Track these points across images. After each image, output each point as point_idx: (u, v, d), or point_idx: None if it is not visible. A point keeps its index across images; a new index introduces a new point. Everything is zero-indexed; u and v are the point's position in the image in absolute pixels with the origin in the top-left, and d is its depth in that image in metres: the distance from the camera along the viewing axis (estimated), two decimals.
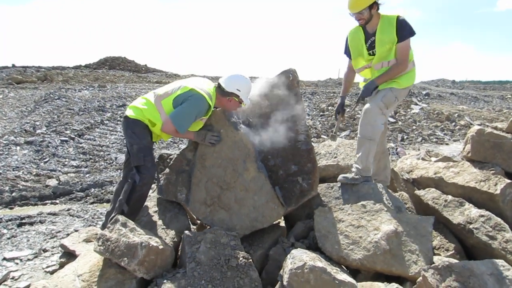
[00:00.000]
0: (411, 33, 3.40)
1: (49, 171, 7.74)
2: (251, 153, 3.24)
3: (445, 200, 3.66)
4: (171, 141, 9.72)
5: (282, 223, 3.42)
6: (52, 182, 7.22)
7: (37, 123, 10.20)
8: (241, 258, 2.67)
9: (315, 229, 3.05)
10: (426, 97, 21.19)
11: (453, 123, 13.99)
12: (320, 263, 2.50)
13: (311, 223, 3.25)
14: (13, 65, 25.12)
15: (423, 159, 5.39)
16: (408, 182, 4.33)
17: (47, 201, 6.40)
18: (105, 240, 2.54)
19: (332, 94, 18.24)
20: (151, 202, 3.43)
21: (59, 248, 4.16)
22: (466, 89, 31.21)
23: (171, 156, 3.48)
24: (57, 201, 6.52)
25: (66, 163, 8.19)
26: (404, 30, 3.38)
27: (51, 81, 19.56)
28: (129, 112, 3.26)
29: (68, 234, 4.78)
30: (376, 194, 3.36)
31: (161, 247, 2.55)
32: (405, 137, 11.70)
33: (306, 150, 3.34)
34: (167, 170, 3.37)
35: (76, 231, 4.75)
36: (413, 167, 4.51)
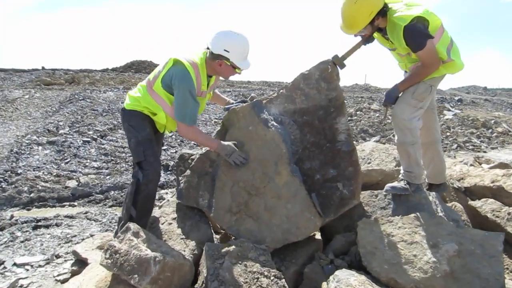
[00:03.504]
0: (421, 44, 2.76)
1: (69, 172, 7.55)
2: (284, 154, 2.82)
3: (509, 213, 3.15)
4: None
5: (318, 236, 2.97)
6: (72, 183, 7.01)
7: (61, 123, 10.12)
8: (272, 277, 2.25)
9: (358, 245, 2.60)
10: (459, 103, 20.28)
11: (490, 130, 13.18)
12: None
13: (352, 236, 2.80)
14: (43, 68, 25.66)
15: (471, 165, 4.84)
16: (460, 191, 3.81)
17: (65, 203, 6.17)
18: (114, 252, 2.17)
19: (360, 99, 17.65)
20: (170, 208, 3.06)
21: (73, 254, 3.89)
22: (498, 96, 29.89)
23: (192, 156, 3.11)
24: (76, 203, 6.29)
25: (87, 164, 8.00)
26: (413, 44, 2.80)
27: (78, 83, 19.80)
28: (125, 103, 2.97)
29: (83, 239, 4.51)
30: (429, 205, 2.87)
31: (178, 262, 2.15)
32: None
33: (347, 151, 2.89)
34: (188, 172, 3.00)
35: (91, 236, 4.48)
36: (464, 174, 3.98)
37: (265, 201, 2.77)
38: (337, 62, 3.03)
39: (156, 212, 3.17)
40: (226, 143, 2.86)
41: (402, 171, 3.09)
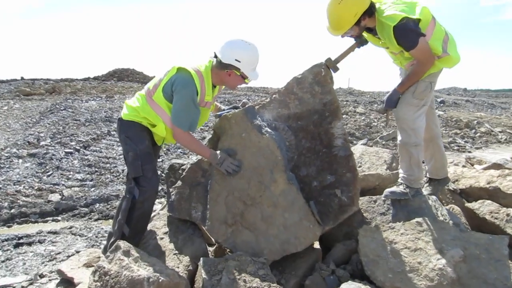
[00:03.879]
0: (413, 43, 2.69)
1: (52, 185, 7.27)
2: (279, 161, 2.71)
3: (508, 215, 3.09)
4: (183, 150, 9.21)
5: (317, 245, 2.86)
6: (55, 197, 6.75)
7: (42, 134, 9.80)
8: None
9: (360, 253, 2.50)
10: (442, 104, 20.61)
11: (473, 130, 13.39)
12: None
13: (353, 244, 2.70)
14: (22, 78, 25.03)
15: (464, 166, 4.82)
16: (455, 193, 3.76)
17: (48, 218, 5.90)
18: (103, 274, 2.00)
19: (345, 102, 17.73)
20: (161, 222, 2.91)
21: (57, 274, 3.68)
22: (478, 97, 30.52)
23: (183, 167, 2.97)
24: (59, 218, 6.03)
25: (70, 176, 7.73)
26: (405, 43, 2.74)
27: (59, 93, 19.34)
28: (123, 112, 2.80)
29: (68, 256, 4.29)
30: (429, 209, 2.79)
31: (174, 281, 2.01)
32: None
33: (344, 157, 2.79)
34: (179, 183, 2.85)
35: (77, 252, 4.28)
36: (458, 176, 3.94)
37: (261, 211, 2.65)
38: (330, 65, 2.95)
39: None
40: (217, 152, 2.74)
41: (401, 175, 3.02)
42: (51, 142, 9.33)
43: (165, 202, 3.08)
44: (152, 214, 3.03)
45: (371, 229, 2.58)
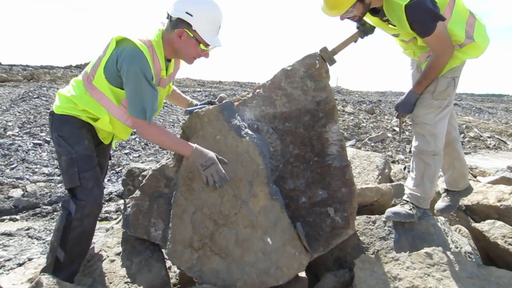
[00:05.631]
0: (429, 27, 2.19)
1: (14, 180, 6.64)
2: (261, 171, 2.19)
3: None
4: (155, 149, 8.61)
5: (302, 273, 2.37)
6: (17, 193, 6.13)
7: (10, 123, 9.09)
8: None
9: None
10: None
11: (462, 135, 13.15)
12: None
13: (346, 275, 2.21)
14: None
15: None
16: (460, 210, 3.31)
17: (5, 217, 5.30)
18: None
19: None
20: (114, 239, 2.37)
21: None
22: (465, 101, 30.55)
23: (144, 172, 2.44)
24: (18, 217, 5.44)
25: (36, 169, 7.10)
26: (419, 27, 2.24)
27: (37, 80, 18.48)
28: (55, 105, 2.22)
29: (19, 264, 3.73)
30: (439, 234, 2.32)
31: None
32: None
33: (339, 168, 2.30)
34: (137, 193, 2.32)
35: (29, 260, 3.73)
36: None
37: (236, 232, 2.14)
38: (326, 56, 2.44)
39: (95, 241, 2.47)
40: (206, 150, 2.16)
41: (408, 191, 2.53)
42: (19, 132, 8.64)
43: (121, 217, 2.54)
44: (108, 226, 2.50)
45: (370, 260, 2.09)
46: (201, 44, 2.13)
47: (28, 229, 4.88)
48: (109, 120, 2.18)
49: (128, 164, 7.28)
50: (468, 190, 2.86)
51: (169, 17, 2.11)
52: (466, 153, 10.78)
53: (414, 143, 2.50)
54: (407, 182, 2.57)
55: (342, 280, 2.22)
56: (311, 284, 2.34)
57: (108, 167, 3.04)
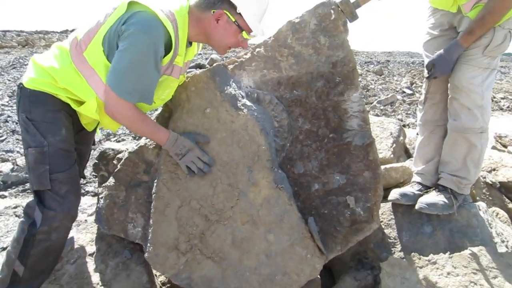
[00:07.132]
0: None
1: (4, 153, 6.26)
2: (263, 153, 1.74)
3: None
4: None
5: None
6: (6, 167, 5.76)
7: None
8: None
9: None
10: None
11: None
12: None
13: (368, 278, 1.81)
14: None
15: (493, 148, 3.91)
16: (494, 188, 2.87)
17: None
18: None
19: None
20: (87, 235, 1.97)
21: None
22: None
23: (120, 155, 1.99)
24: (6, 194, 5.09)
25: None
26: None
27: (32, 46, 17.82)
28: (27, 76, 1.67)
29: (4, 248, 3.40)
30: (482, 227, 1.89)
31: None
32: None
33: (361, 146, 1.84)
34: (111, 180, 1.88)
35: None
36: (495, 164, 3.04)
37: (232, 230, 1.71)
38: (347, 10, 1.88)
39: None
40: (182, 137, 1.71)
41: (444, 175, 2.06)
42: (9, 102, 8.20)
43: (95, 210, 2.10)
44: (78, 221, 2.09)
45: (401, 264, 1.67)
46: (244, 32, 1.68)
47: (15, 207, 4.52)
48: (96, 105, 1.64)
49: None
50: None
51: None
52: None
53: (452, 119, 2.00)
54: (443, 164, 2.08)
55: (363, 283, 1.82)
56: (325, 285, 1.95)
57: (90, 155, 2.47)
